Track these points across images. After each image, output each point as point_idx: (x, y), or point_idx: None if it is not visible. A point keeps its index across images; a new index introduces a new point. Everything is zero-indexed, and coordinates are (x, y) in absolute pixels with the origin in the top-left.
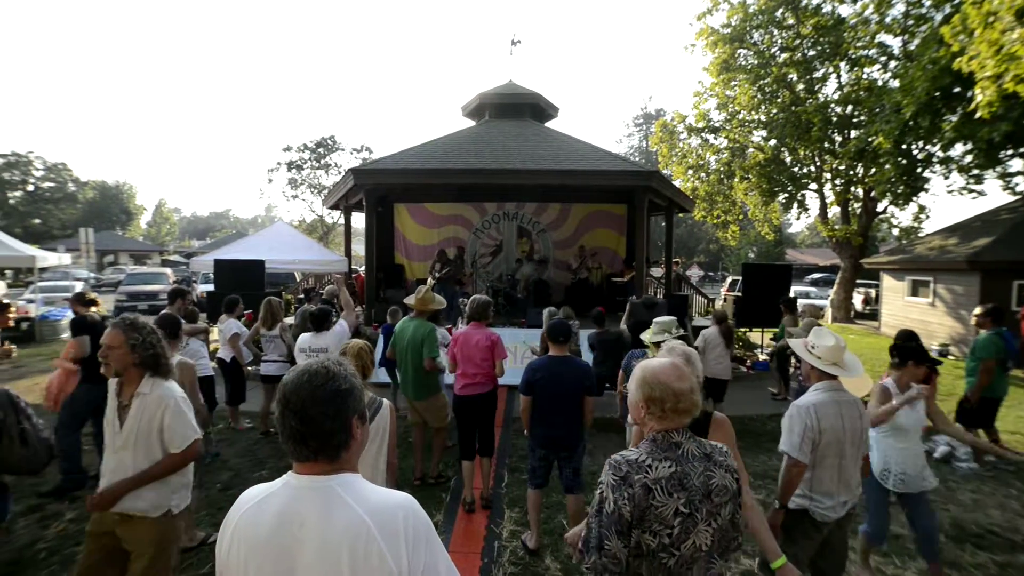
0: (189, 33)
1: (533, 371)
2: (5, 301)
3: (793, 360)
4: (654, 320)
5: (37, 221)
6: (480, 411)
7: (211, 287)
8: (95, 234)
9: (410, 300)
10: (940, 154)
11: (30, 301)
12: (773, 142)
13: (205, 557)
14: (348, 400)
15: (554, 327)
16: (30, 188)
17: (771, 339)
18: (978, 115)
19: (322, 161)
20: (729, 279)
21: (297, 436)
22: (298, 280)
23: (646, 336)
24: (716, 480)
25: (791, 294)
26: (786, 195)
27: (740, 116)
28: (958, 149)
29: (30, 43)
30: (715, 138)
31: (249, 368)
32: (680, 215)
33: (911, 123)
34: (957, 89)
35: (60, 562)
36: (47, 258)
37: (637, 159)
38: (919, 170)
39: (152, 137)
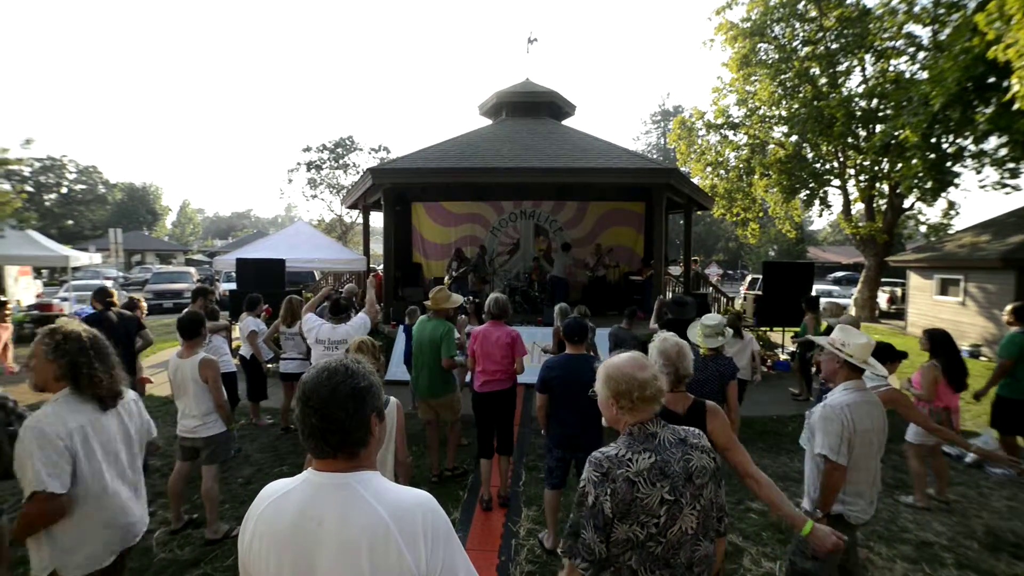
0: (213, 38)
1: (549, 369)
2: (2, 299)
3: (815, 360)
4: (702, 323)
5: (70, 222)
6: (499, 408)
7: (233, 285)
8: (123, 234)
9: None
10: (972, 148)
11: (64, 299)
12: (794, 138)
13: (228, 550)
14: (367, 397)
15: (570, 326)
16: (64, 191)
17: (792, 338)
18: (1016, 106)
19: (341, 161)
20: (749, 277)
21: (317, 433)
22: (317, 279)
23: (697, 339)
24: (695, 462)
25: (813, 292)
26: (807, 192)
27: (760, 112)
28: (992, 142)
29: (65, 51)
30: (735, 134)
31: (270, 365)
32: (699, 213)
33: (941, 115)
34: (992, 79)
35: None
36: (79, 258)
37: (655, 156)
38: (949, 164)
39: (177, 139)
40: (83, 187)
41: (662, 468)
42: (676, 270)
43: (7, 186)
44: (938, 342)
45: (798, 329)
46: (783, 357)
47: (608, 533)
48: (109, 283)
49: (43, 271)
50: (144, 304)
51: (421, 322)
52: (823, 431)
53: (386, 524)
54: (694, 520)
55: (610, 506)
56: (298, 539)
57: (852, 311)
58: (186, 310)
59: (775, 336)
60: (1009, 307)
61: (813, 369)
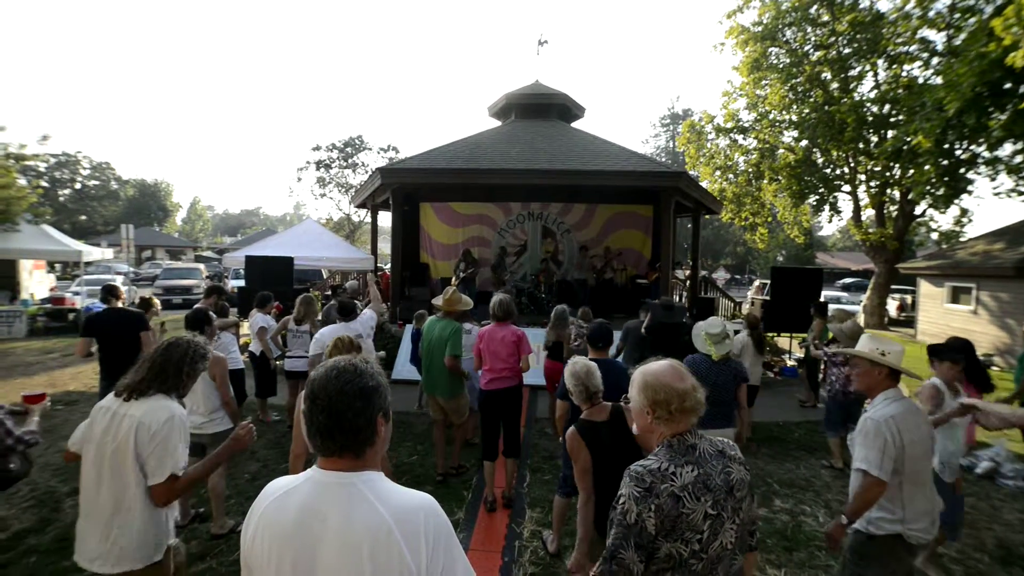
0: (226, 36)
1: None
2: None
3: (823, 367)
4: (706, 331)
5: (83, 217)
6: (506, 405)
7: (242, 282)
8: (135, 230)
9: (438, 300)
10: (987, 154)
11: (76, 293)
12: (805, 143)
13: (234, 544)
14: (375, 397)
15: (595, 331)
16: (78, 186)
17: (799, 344)
18: None
19: (350, 160)
20: (757, 282)
21: (324, 431)
22: (325, 277)
23: (707, 348)
24: (735, 475)
25: (822, 298)
26: (817, 197)
27: (770, 116)
28: (1007, 148)
29: (82, 50)
30: (744, 138)
31: (278, 362)
32: (707, 217)
33: (955, 121)
34: (1008, 85)
35: None
36: (92, 253)
37: (664, 160)
38: (962, 171)
39: (189, 137)
40: (96, 183)
41: (705, 481)
42: (680, 274)
43: (23, 181)
44: (958, 351)
45: (805, 335)
46: (791, 363)
47: (650, 552)
48: (119, 278)
49: (56, 265)
50: (158, 303)
51: (431, 322)
52: (864, 444)
53: (388, 525)
54: (733, 534)
55: (654, 523)
56: (300, 536)
57: (861, 318)
58: (195, 307)
59: (783, 342)
60: None
61: (820, 376)
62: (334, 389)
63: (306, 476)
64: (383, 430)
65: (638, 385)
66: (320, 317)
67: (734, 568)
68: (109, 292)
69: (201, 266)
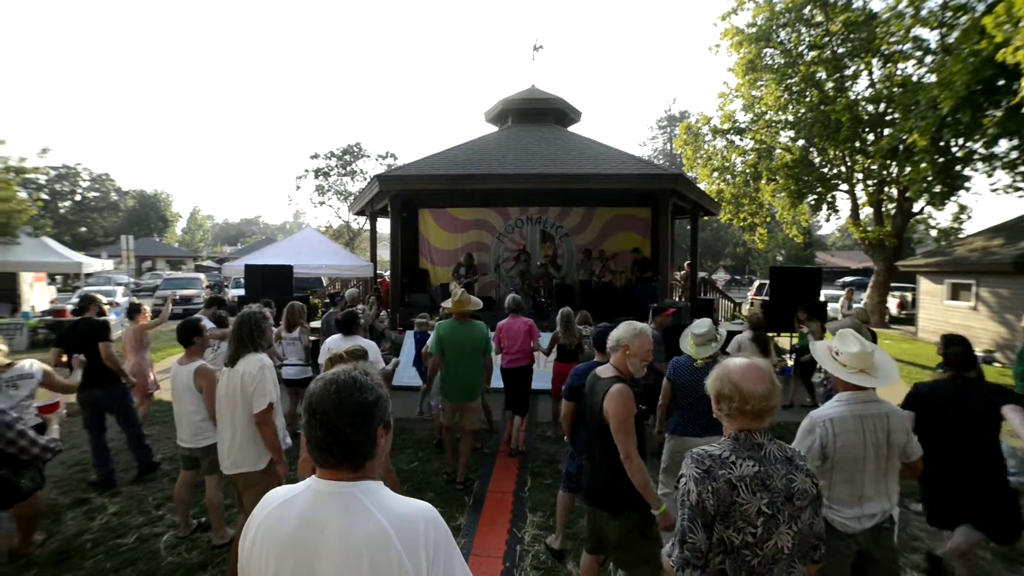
0: (224, 47)
1: (576, 377)
2: None
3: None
4: (692, 332)
5: (83, 229)
6: (520, 378)
7: (242, 291)
8: (135, 241)
9: (447, 303)
10: (982, 151)
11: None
12: (801, 142)
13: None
14: (374, 411)
15: (600, 334)
16: (77, 198)
17: (791, 347)
18: None
19: (348, 168)
20: (756, 283)
21: (322, 445)
22: (324, 284)
23: (690, 350)
24: (798, 483)
25: (821, 298)
26: (815, 196)
27: (767, 117)
28: (1003, 145)
29: (82, 63)
30: (741, 139)
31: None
32: (706, 218)
33: (949, 118)
34: (1001, 82)
35: (105, 552)
36: (92, 264)
37: (661, 162)
38: (958, 168)
39: (188, 148)
40: (96, 194)
41: (764, 480)
42: (676, 275)
43: (24, 194)
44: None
45: (796, 337)
46: (790, 363)
47: (712, 532)
48: (120, 289)
49: (57, 277)
50: (147, 308)
51: (450, 326)
52: (798, 438)
53: (387, 533)
54: (790, 540)
55: (712, 503)
56: (299, 546)
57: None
58: (188, 317)
59: (783, 341)
60: None
61: (820, 375)
62: (332, 404)
63: (305, 485)
64: (383, 441)
65: (714, 374)
66: (321, 326)
67: (794, 575)
68: (85, 302)
69: (201, 276)
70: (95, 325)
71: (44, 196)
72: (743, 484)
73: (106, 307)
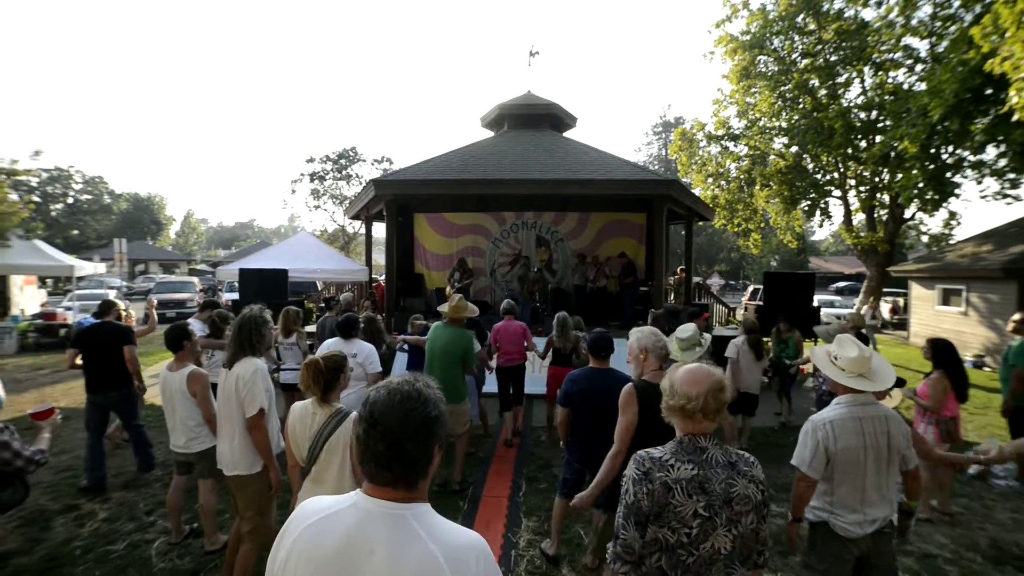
0: (218, 49)
1: (572, 383)
2: None
3: (814, 370)
4: (676, 336)
5: (75, 232)
6: (515, 376)
7: (236, 296)
8: (128, 244)
9: (443, 308)
10: (972, 158)
11: (68, 308)
12: (794, 149)
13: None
14: (436, 428)
15: (596, 341)
16: (70, 201)
17: (770, 358)
18: (1015, 117)
19: (344, 172)
20: (751, 288)
21: (381, 460)
22: (320, 289)
23: (676, 354)
24: (738, 489)
25: (815, 303)
26: (808, 202)
27: (760, 123)
28: (991, 153)
29: (74, 63)
30: (735, 146)
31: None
32: (700, 224)
33: (939, 126)
34: (989, 91)
35: (95, 559)
36: (84, 267)
37: (656, 168)
38: (949, 175)
39: (182, 150)
40: (89, 197)
41: (702, 483)
42: (670, 280)
43: (15, 196)
44: (941, 351)
45: (770, 344)
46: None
47: (645, 530)
48: (112, 292)
49: (48, 280)
50: (121, 305)
51: (438, 329)
52: (800, 443)
53: (439, 565)
54: (728, 542)
55: (647, 504)
56: (343, 566)
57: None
58: (180, 321)
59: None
60: (1017, 315)
61: (817, 383)
62: (396, 417)
63: (350, 501)
64: (436, 460)
65: (665, 380)
66: (316, 331)
67: None
68: (104, 307)
69: (195, 279)
70: (120, 329)
71: (36, 198)
72: (679, 486)
73: (123, 311)
